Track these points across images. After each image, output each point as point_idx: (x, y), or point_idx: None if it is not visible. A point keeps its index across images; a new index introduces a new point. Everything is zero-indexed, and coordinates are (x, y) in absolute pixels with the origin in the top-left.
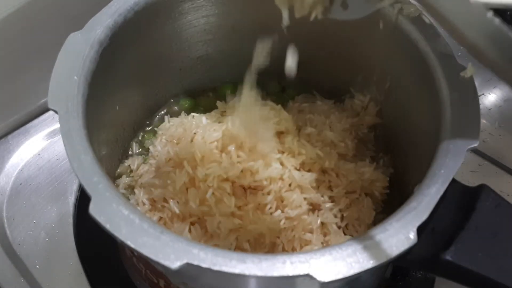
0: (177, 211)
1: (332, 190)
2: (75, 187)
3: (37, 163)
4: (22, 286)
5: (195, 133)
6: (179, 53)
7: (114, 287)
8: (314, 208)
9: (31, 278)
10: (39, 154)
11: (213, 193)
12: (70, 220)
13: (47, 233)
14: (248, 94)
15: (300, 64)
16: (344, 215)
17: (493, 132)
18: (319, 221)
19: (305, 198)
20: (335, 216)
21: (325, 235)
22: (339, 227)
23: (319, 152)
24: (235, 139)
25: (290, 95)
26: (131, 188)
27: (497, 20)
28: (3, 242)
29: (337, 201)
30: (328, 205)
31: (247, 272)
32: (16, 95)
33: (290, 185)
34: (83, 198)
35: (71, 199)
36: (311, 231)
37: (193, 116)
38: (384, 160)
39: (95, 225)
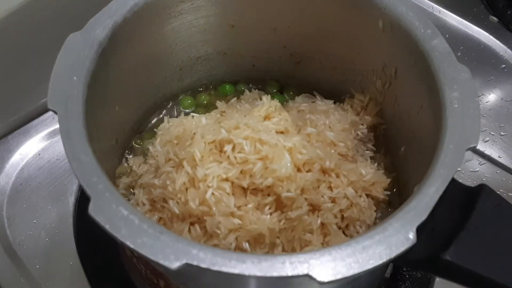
0: (176, 211)
1: (332, 191)
2: (75, 187)
3: (37, 163)
4: (22, 286)
5: (194, 133)
6: (179, 53)
7: (114, 287)
8: (314, 208)
9: (31, 278)
10: (39, 154)
11: (212, 193)
12: (70, 220)
13: (47, 233)
14: (248, 94)
15: (300, 64)
16: (345, 215)
17: (493, 131)
18: (319, 222)
19: (306, 199)
20: (336, 217)
21: (325, 235)
22: (339, 228)
23: (319, 152)
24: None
25: (290, 95)
26: (131, 189)
27: None
28: (3, 242)
29: (338, 202)
30: (329, 205)
31: (246, 272)
32: (16, 95)
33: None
34: (83, 198)
35: (71, 199)
36: (311, 232)
37: (193, 116)
38: (384, 161)
39: (95, 225)
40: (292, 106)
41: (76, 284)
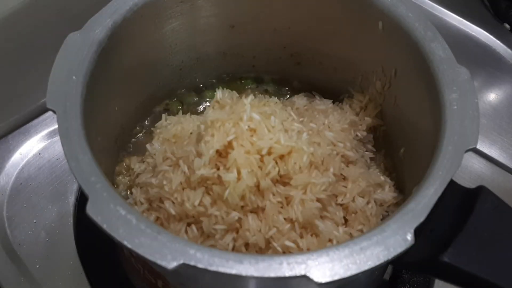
0: (172, 212)
1: (336, 196)
2: (75, 187)
3: (37, 163)
4: (22, 286)
5: (191, 133)
6: (179, 53)
7: (114, 287)
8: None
9: (31, 278)
10: (39, 154)
11: (208, 194)
12: (70, 220)
13: (47, 233)
14: (246, 93)
15: (300, 64)
16: (349, 219)
17: (493, 131)
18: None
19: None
20: (338, 225)
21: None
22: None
23: (319, 152)
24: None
25: (288, 95)
26: (129, 188)
27: None
28: (3, 242)
29: (343, 207)
30: (333, 209)
31: (243, 273)
32: (16, 95)
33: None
34: (83, 198)
35: (71, 199)
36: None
37: (191, 115)
38: (384, 162)
39: (95, 225)
40: (291, 106)
41: (76, 284)
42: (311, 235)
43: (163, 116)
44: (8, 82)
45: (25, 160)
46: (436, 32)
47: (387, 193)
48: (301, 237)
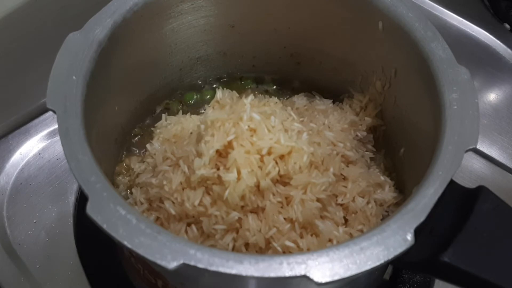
0: (172, 212)
1: (336, 196)
2: (75, 187)
3: (37, 163)
4: (22, 286)
5: (191, 132)
6: (179, 53)
7: (114, 287)
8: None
9: (31, 278)
10: (39, 154)
11: (208, 194)
12: (70, 220)
13: (47, 233)
14: (246, 93)
15: (300, 64)
16: (349, 219)
17: (493, 131)
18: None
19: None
20: (338, 225)
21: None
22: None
23: (319, 152)
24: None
25: (288, 94)
26: (129, 188)
27: None
28: (3, 241)
29: (343, 207)
30: (333, 209)
31: (243, 273)
32: (16, 95)
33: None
34: (83, 198)
35: (71, 199)
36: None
37: (191, 115)
38: (384, 162)
39: (95, 225)
40: (291, 106)
41: (76, 284)
42: (311, 235)
43: (163, 116)
44: (8, 82)
45: (25, 160)
46: (436, 32)
47: (387, 193)
48: (301, 237)
